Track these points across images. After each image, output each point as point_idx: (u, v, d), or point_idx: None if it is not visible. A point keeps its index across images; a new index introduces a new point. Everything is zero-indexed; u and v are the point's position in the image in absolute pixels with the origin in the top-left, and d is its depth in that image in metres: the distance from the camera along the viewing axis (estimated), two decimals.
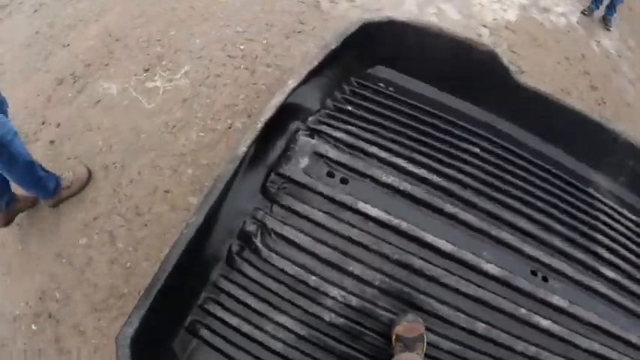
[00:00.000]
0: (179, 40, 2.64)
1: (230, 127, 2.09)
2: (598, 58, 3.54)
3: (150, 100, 2.28)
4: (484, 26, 3.21)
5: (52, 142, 2.28)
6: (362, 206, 1.55)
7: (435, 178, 1.64)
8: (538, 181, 1.75)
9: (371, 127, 1.84)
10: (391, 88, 2.11)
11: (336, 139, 1.74)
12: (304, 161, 1.69)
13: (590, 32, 3.82)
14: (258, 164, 1.66)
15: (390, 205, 1.57)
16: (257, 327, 1.44)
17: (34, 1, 3.07)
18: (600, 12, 4.09)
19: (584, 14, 4.02)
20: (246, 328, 1.44)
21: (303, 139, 1.73)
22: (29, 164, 1.79)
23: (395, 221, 1.51)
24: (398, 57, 2.06)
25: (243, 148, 1.50)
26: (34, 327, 1.82)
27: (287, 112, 1.72)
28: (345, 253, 1.50)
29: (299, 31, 2.68)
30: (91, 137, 2.23)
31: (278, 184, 1.65)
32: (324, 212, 1.57)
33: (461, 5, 3.30)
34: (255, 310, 1.46)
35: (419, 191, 1.59)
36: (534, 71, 2.93)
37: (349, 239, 1.51)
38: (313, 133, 1.80)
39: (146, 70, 2.45)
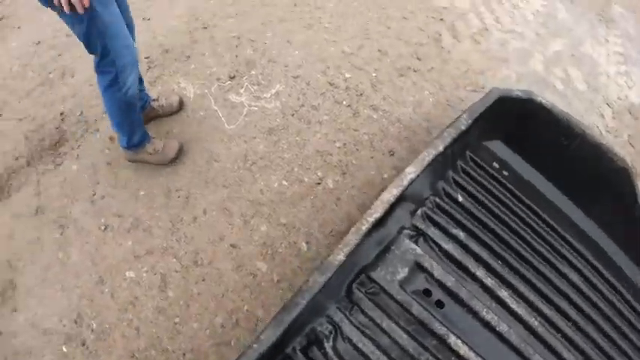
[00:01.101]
0: (274, 46, 2.68)
1: (319, 184, 2.11)
2: None
3: (230, 119, 2.33)
4: (608, 105, 3.10)
5: (111, 138, 2.37)
6: (453, 341, 1.59)
7: (532, 322, 1.69)
8: (624, 327, 1.84)
9: (480, 232, 1.87)
10: (505, 172, 2.16)
11: (443, 251, 1.77)
12: (403, 272, 1.71)
13: None
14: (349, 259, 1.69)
15: (482, 346, 1.61)
16: None
17: None
18: None
19: None
20: None
21: (406, 243, 1.75)
22: (128, 101, 1.95)
23: None
24: (522, 137, 2.13)
25: (341, 257, 1.53)
26: (64, 349, 1.97)
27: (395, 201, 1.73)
28: None
29: (414, 70, 2.66)
30: None
31: (366, 288, 1.68)
32: (410, 335, 1.61)
33: (588, 73, 3.20)
34: None
35: (514, 337, 1.63)
36: None
37: None
38: (419, 235, 1.81)
39: (232, 78, 2.49)
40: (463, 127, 1.91)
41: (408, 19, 3.06)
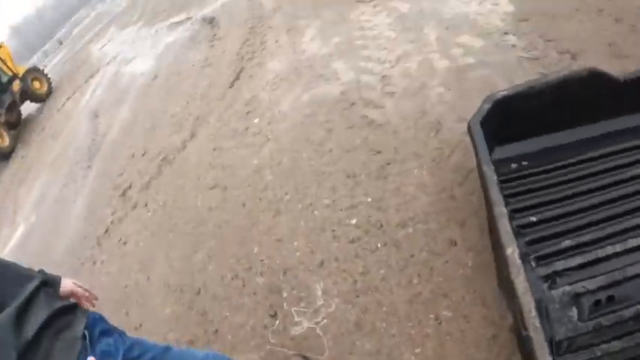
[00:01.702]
0: (274, 256, 2.75)
1: (440, 323, 2.17)
2: None
3: (317, 350, 2.33)
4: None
5: None
6: None
7: None
8: None
9: (577, 220, 2.14)
10: (524, 162, 2.45)
11: (579, 267, 1.98)
12: (574, 312, 1.85)
13: None
14: None
15: None
16: None
17: None
18: None
19: None
20: None
21: (554, 294, 1.90)
22: None
23: None
24: (512, 125, 2.40)
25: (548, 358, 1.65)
26: None
27: None
28: None
29: (387, 163, 2.89)
30: None
31: (562, 349, 1.82)
32: (617, 338, 1.76)
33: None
34: None
35: None
36: None
37: None
38: (554, 277, 2.00)
39: (274, 316, 2.51)
40: (496, 178, 2.11)
41: (333, 130, 3.35)
